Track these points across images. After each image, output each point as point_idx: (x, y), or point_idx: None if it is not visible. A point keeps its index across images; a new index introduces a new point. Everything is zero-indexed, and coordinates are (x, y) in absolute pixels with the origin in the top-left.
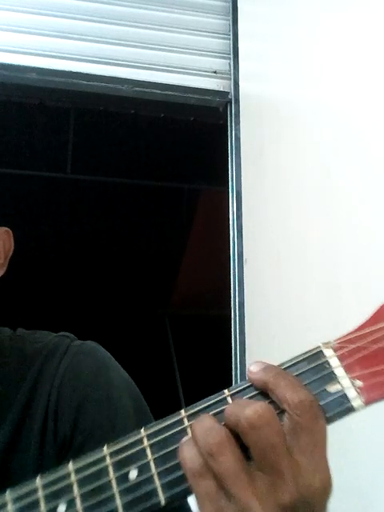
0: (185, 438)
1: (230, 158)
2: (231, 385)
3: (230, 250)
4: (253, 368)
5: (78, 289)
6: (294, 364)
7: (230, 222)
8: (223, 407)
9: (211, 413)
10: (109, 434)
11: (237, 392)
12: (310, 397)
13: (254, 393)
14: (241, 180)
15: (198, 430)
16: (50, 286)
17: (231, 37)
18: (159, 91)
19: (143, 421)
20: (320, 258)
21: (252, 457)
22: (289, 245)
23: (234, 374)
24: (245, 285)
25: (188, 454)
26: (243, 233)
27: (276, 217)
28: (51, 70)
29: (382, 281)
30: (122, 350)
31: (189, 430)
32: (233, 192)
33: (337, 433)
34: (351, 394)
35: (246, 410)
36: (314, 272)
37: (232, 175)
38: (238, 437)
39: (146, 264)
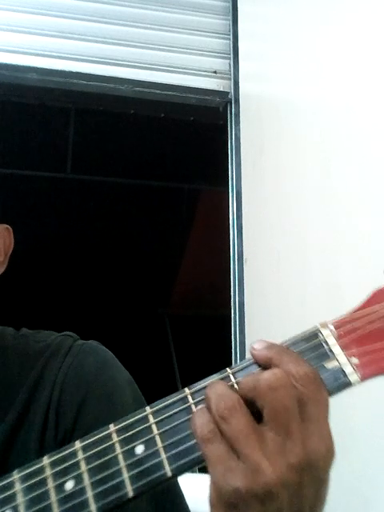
0: (198, 407)
1: (230, 158)
2: None
3: (230, 249)
4: (256, 345)
5: (79, 288)
6: (292, 343)
7: (230, 222)
8: (228, 383)
9: None
10: None
11: (239, 370)
12: (313, 370)
13: (257, 370)
14: (241, 180)
15: (211, 395)
16: (50, 286)
17: (231, 37)
18: (159, 91)
19: None
20: (320, 258)
21: (265, 419)
22: (289, 245)
23: None
24: (245, 285)
25: (199, 421)
26: (243, 233)
27: (276, 217)
28: (51, 69)
29: (382, 281)
30: (122, 350)
31: (193, 407)
32: (233, 192)
33: (337, 433)
34: (348, 369)
35: (265, 373)
36: (314, 272)
37: (232, 175)
38: (248, 404)
39: (146, 264)
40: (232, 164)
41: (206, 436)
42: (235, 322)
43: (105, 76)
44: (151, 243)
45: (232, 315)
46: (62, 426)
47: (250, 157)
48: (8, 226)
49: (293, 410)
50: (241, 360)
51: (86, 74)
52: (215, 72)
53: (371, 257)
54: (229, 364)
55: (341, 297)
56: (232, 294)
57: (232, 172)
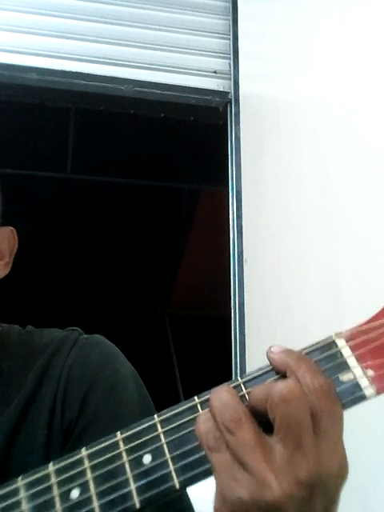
0: (202, 411)
1: (229, 158)
2: None
3: (230, 249)
4: (274, 349)
5: (78, 289)
6: (307, 353)
7: (230, 222)
8: (239, 394)
9: None
10: (110, 422)
11: (250, 379)
12: (328, 382)
13: (269, 381)
14: (241, 180)
15: (216, 404)
16: (50, 286)
17: (231, 37)
18: (159, 91)
19: (147, 412)
20: (320, 258)
21: (275, 431)
22: (289, 245)
23: (233, 374)
24: (245, 285)
25: (204, 428)
26: (243, 233)
27: (276, 217)
28: (51, 69)
29: (382, 281)
30: (122, 350)
31: None
32: (233, 192)
33: None
34: (363, 382)
35: (278, 384)
36: (314, 272)
37: (232, 175)
38: (259, 415)
39: (146, 264)
40: (232, 164)
41: (212, 445)
42: (235, 322)
43: (105, 76)
44: (151, 243)
45: (232, 315)
46: (68, 415)
47: (250, 157)
48: (12, 228)
49: (306, 423)
50: (241, 360)
51: (86, 74)
52: (215, 72)
53: (371, 257)
54: (229, 364)
55: (340, 297)
56: (232, 294)
57: (232, 172)
